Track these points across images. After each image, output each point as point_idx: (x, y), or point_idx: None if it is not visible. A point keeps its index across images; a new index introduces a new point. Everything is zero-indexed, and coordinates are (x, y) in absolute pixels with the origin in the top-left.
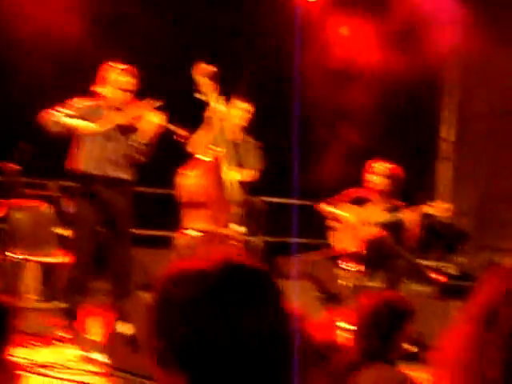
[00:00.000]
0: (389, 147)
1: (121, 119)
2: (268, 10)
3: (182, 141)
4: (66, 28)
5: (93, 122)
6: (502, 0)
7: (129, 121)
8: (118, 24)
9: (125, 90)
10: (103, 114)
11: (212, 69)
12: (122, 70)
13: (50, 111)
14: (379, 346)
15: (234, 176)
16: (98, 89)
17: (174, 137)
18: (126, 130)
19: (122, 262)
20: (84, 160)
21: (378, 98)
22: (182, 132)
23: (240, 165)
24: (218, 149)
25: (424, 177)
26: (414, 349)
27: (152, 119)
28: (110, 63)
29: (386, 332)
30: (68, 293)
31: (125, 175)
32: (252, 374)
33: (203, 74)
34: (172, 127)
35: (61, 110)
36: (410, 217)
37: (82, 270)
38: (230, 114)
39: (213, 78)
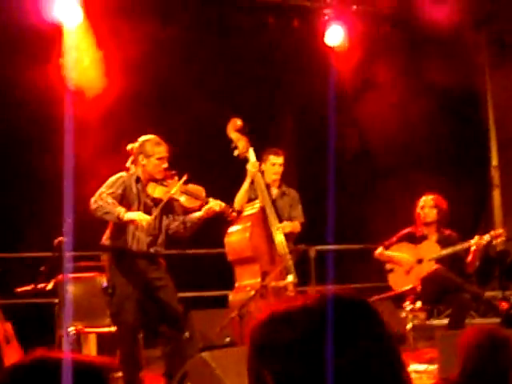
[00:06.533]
0: (440, 180)
1: (161, 194)
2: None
3: (232, 219)
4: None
5: (134, 205)
6: None
7: (168, 196)
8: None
9: (162, 159)
10: (138, 190)
11: (242, 123)
12: (156, 139)
13: (98, 202)
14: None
15: (277, 229)
16: (135, 160)
17: (228, 218)
18: (166, 205)
19: (173, 323)
20: (122, 236)
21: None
22: (233, 214)
23: (281, 217)
24: (258, 203)
25: (476, 205)
26: None
27: (214, 207)
28: (143, 136)
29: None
30: (123, 363)
31: (158, 249)
32: None
33: (236, 129)
34: (227, 210)
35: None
36: (466, 247)
37: (129, 340)
38: (264, 169)
39: (245, 132)
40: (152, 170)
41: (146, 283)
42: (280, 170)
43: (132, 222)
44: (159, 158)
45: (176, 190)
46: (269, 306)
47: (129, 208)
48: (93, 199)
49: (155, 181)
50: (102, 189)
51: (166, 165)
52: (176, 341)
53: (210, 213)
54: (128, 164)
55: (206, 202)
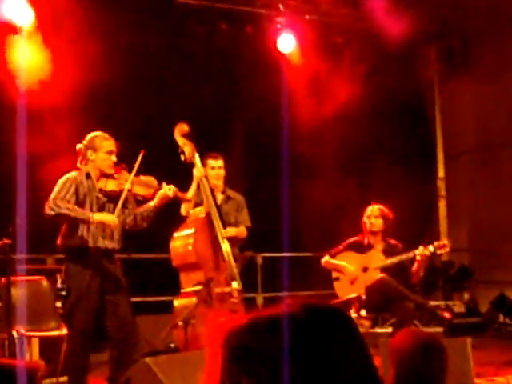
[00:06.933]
0: (387, 190)
1: (113, 187)
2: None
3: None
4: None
5: (86, 200)
6: None
7: (122, 188)
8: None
9: (110, 153)
10: (92, 187)
11: (188, 128)
12: (103, 135)
13: (57, 209)
14: None
15: (223, 234)
16: (84, 158)
17: (182, 202)
18: (119, 197)
19: (123, 328)
20: (76, 234)
21: (370, 138)
22: (186, 197)
23: (226, 222)
24: (203, 208)
25: (422, 216)
26: None
27: (168, 193)
28: (94, 133)
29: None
30: (69, 367)
31: (115, 245)
32: None
33: (183, 134)
34: (180, 194)
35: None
36: (410, 257)
37: (80, 342)
38: (208, 174)
39: (191, 137)
40: (101, 164)
41: (102, 285)
42: (220, 173)
43: (101, 223)
44: (107, 152)
45: (129, 180)
46: (215, 313)
47: (81, 205)
48: (47, 206)
49: (106, 176)
50: (54, 194)
51: (114, 158)
52: (123, 345)
53: (165, 198)
54: (78, 164)
55: (159, 189)
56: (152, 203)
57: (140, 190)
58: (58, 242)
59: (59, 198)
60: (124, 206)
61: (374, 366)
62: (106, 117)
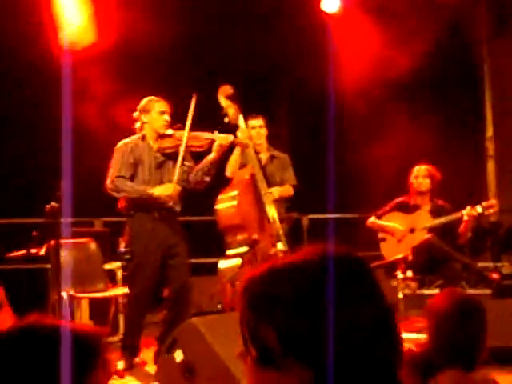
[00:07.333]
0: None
1: (169, 143)
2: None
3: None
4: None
5: (144, 160)
6: None
7: (176, 144)
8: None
9: (162, 113)
10: (148, 149)
11: (232, 90)
12: (155, 98)
13: (121, 192)
14: (463, 348)
15: (268, 195)
16: (140, 122)
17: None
18: (177, 155)
19: (182, 291)
20: (139, 197)
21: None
22: (242, 142)
23: (272, 182)
24: (248, 169)
25: (471, 176)
26: None
27: (223, 142)
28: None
29: (473, 332)
30: (127, 328)
31: (177, 206)
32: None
33: (227, 96)
34: (236, 141)
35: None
36: (458, 217)
37: (140, 304)
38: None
39: (235, 99)
40: (155, 124)
41: (165, 248)
42: (261, 131)
43: (159, 197)
44: (159, 112)
45: (184, 136)
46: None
47: (141, 167)
48: (108, 187)
49: (161, 136)
50: (112, 171)
51: (167, 118)
52: (179, 307)
53: (222, 148)
54: (136, 128)
55: (214, 140)
56: (210, 156)
57: (196, 143)
58: (120, 205)
59: (117, 177)
60: (182, 164)
61: (390, 321)
62: (148, 79)
